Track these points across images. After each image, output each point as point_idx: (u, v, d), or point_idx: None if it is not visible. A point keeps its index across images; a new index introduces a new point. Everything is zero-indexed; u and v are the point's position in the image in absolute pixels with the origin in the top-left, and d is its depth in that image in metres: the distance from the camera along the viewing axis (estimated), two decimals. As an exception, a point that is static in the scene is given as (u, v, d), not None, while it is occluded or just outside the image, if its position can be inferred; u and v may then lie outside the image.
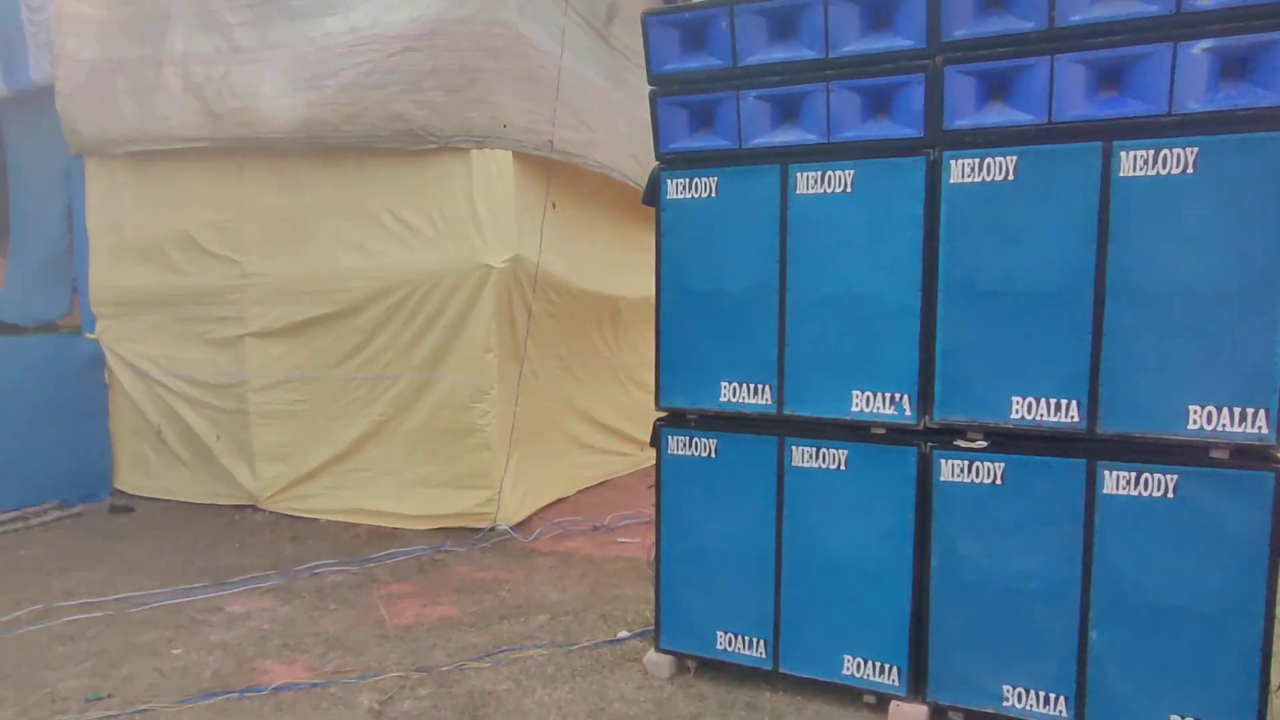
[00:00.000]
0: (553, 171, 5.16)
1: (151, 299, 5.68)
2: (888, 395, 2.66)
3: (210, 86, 5.23)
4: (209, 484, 5.57)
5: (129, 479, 5.87)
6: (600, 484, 6.00)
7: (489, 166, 4.80)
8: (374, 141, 4.88)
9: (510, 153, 4.84)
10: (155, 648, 3.36)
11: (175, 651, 3.33)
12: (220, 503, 5.50)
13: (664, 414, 3.05)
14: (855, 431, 2.73)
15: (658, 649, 3.10)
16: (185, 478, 5.68)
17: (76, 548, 4.76)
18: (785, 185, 2.76)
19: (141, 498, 5.73)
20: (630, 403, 6.43)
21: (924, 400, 2.63)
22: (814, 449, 2.79)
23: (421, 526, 4.94)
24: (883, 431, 2.69)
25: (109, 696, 2.95)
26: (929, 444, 2.63)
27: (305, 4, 5.00)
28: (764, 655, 2.91)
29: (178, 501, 5.63)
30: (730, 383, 2.89)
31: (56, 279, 6.42)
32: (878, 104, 2.66)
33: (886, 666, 2.73)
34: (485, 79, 4.73)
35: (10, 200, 6.58)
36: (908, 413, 2.64)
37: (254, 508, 5.39)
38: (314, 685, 3.01)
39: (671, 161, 2.95)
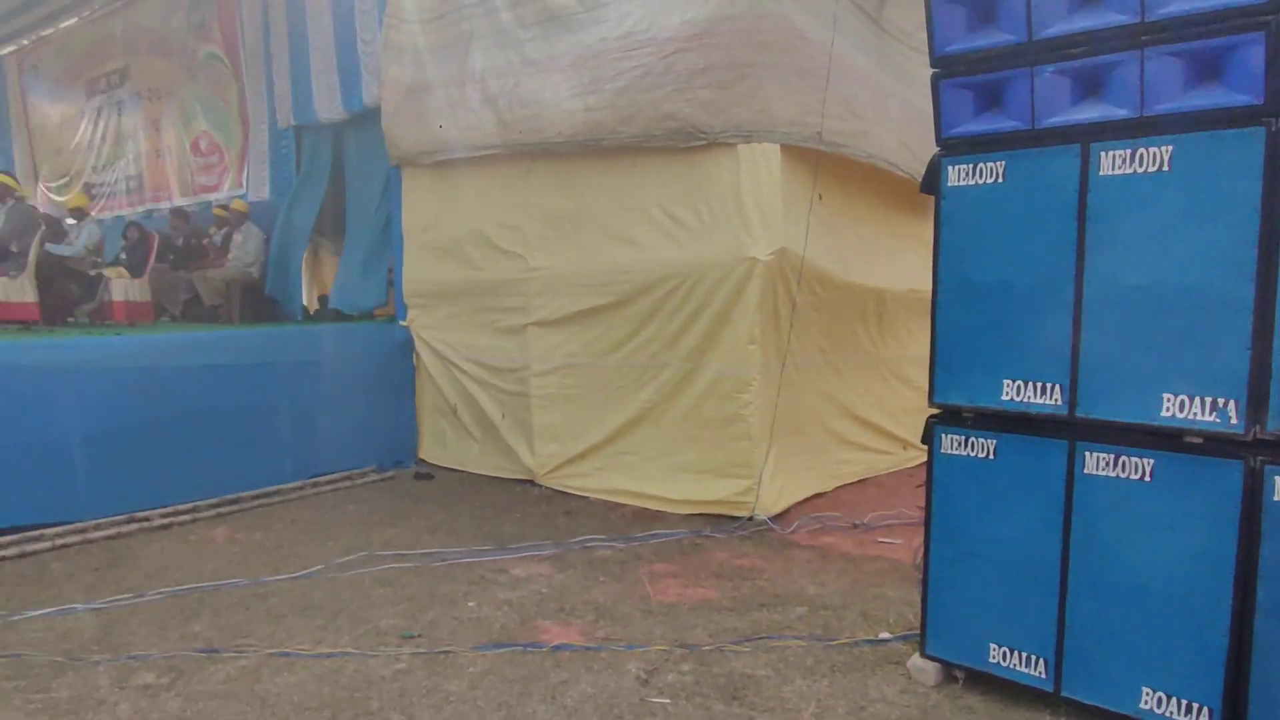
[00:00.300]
0: (820, 162, 5.10)
1: (451, 291, 6.37)
2: (1209, 400, 2.34)
3: (503, 98, 5.77)
4: (494, 459, 6.16)
5: (430, 450, 6.63)
6: (860, 481, 5.84)
7: (756, 160, 4.84)
8: (647, 140, 5.10)
9: (778, 146, 4.85)
10: (453, 598, 3.80)
11: (470, 604, 3.73)
12: (504, 476, 6.05)
13: (938, 411, 2.91)
14: (1164, 439, 2.43)
15: (923, 654, 2.98)
16: (475, 452, 6.31)
17: (389, 506, 5.48)
18: (1086, 166, 2.51)
19: (439, 467, 6.45)
20: (894, 399, 6.20)
21: (1255, 407, 2.28)
22: (1112, 456, 2.53)
23: (682, 511, 5.11)
24: (1200, 441, 2.38)
25: (419, 636, 3.38)
26: (1260, 458, 2.28)
27: (584, 15, 5.35)
28: (1044, 675, 2.70)
29: (468, 473, 6.27)
30: (1014, 381, 2.69)
31: (376, 273, 7.47)
32: (1204, 70, 2.34)
33: (1196, 706, 2.41)
34: (754, 74, 4.78)
35: (346, 206, 7.75)
36: (1234, 420, 2.31)
37: (532, 483, 5.87)
38: (587, 649, 3.24)
39: (954, 146, 2.79)
